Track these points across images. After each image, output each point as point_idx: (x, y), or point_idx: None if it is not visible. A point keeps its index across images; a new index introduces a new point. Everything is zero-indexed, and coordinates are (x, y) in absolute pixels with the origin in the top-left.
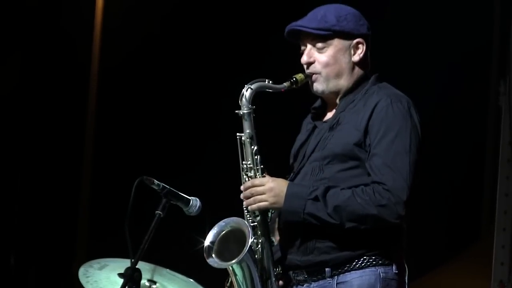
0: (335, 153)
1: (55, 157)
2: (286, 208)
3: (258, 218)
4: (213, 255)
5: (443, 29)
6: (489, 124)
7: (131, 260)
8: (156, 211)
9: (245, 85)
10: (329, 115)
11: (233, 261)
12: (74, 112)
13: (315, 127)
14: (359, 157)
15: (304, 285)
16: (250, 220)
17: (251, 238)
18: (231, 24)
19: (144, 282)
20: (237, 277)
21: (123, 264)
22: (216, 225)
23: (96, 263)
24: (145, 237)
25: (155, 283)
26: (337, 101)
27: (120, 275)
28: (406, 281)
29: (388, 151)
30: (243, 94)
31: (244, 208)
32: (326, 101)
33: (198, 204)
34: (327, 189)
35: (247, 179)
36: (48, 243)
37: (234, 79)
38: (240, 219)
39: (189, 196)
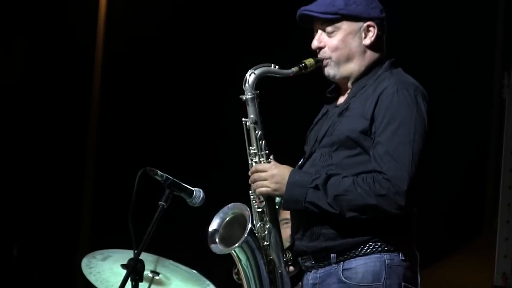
0: (341, 139)
1: (58, 148)
2: (287, 196)
3: (264, 203)
4: (217, 241)
5: (447, 22)
6: (493, 117)
7: (134, 251)
8: (160, 202)
9: (249, 70)
10: (341, 99)
11: (234, 245)
12: (78, 102)
13: (327, 111)
14: (364, 145)
15: (312, 271)
16: (256, 206)
17: (251, 222)
18: (240, 10)
19: (147, 273)
20: (242, 262)
21: (126, 255)
22: (221, 211)
23: (99, 254)
24: (148, 228)
25: (158, 274)
26: (349, 85)
27: (123, 266)
28: (417, 268)
29: (391, 140)
30: (246, 79)
31: (250, 193)
32: (339, 86)
33: (201, 195)
34: (328, 178)
35: (253, 164)
36: (51, 234)
37: (241, 67)
38: (242, 205)
39: (193, 187)
